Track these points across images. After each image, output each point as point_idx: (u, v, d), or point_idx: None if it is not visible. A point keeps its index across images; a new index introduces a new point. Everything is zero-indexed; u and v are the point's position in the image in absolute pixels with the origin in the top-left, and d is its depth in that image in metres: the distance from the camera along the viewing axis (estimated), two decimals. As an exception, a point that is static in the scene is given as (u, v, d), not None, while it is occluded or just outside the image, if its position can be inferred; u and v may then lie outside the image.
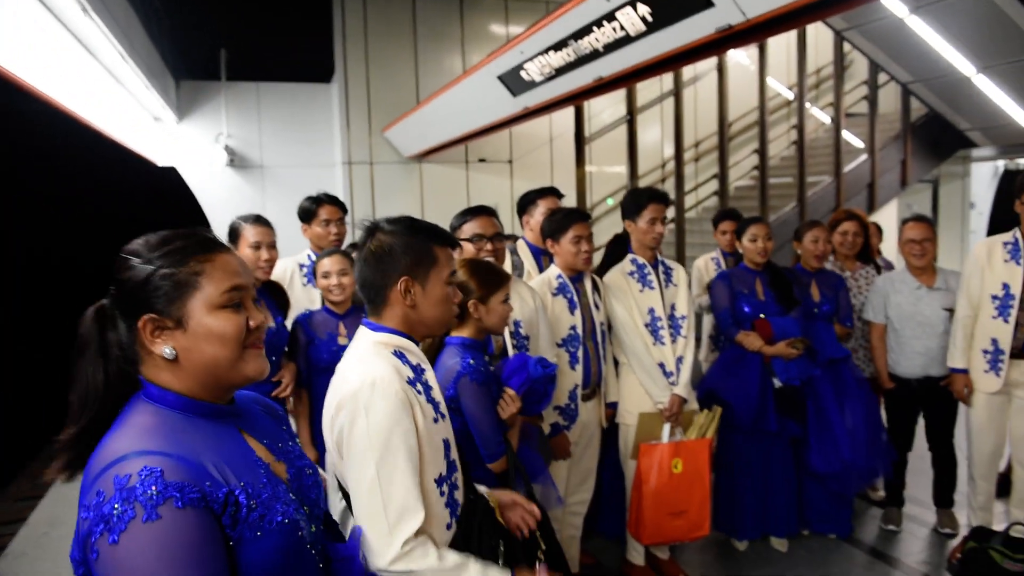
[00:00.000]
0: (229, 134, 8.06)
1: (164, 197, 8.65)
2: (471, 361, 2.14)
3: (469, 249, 2.72)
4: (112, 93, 6.46)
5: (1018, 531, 3.22)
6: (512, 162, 8.58)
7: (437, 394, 1.67)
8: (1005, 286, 3.32)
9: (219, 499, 1.02)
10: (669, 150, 8.49)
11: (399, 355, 1.60)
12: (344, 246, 3.54)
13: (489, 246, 2.73)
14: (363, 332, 1.64)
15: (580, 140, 7.28)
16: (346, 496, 1.57)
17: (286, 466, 1.21)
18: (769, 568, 3.53)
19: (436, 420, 1.61)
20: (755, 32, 3.41)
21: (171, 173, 8.22)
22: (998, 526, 3.36)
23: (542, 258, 3.51)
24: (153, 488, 0.95)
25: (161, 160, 8.08)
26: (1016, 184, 3.36)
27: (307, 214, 3.56)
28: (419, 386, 1.59)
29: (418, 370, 1.63)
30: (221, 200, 7.90)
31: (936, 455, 3.84)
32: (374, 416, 1.46)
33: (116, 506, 0.94)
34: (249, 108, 8.16)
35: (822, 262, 3.81)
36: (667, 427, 3.26)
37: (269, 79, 8.25)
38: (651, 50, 3.78)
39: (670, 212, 4.22)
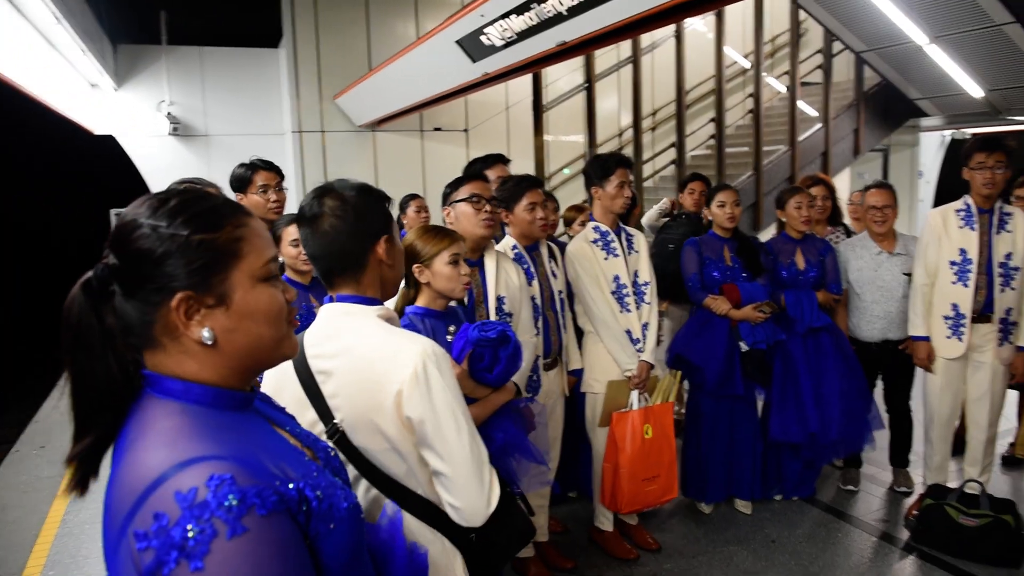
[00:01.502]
0: (172, 101, 7.72)
1: (101, 168, 8.28)
2: (407, 327, 2.06)
3: (467, 211, 2.63)
4: (45, 57, 6.10)
5: (972, 488, 3.32)
6: (468, 131, 8.43)
7: None
8: (962, 251, 3.37)
9: (294, 498, 0.88)
10: (626, 119, 8.45)
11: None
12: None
13: (488, 207, 2.64)
14: (352, 308, 1.53)
15: (538, 108, 7.18)
16: (377, 482, 1.50)
17: (312, 451, 1.11)
18: (733, 530, 3.58)
19: None
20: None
21: (108, 142, 7.86)
22: (952, 484, 3.46)
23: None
24: (231, 498, 0.80)
25: (98, 128, 7.71)
26: (962, 152, 3.41)
27: (241, 182, 3.28)
28: None
29: None
30: (164, 170, 7.58)
31: (893, 417, 3.93)
32: (447, 375, 1.45)
33: (190, 527, 0.78)
34: (192, 74, 7.82)
35: (808, 227, 3.80)
36: (635, 394, 3.26)
37: (213, 43, 7.91)
38: (616, 13, 3.70)
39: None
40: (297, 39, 7.56)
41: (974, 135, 3.44)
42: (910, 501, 3.75)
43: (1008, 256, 3.32)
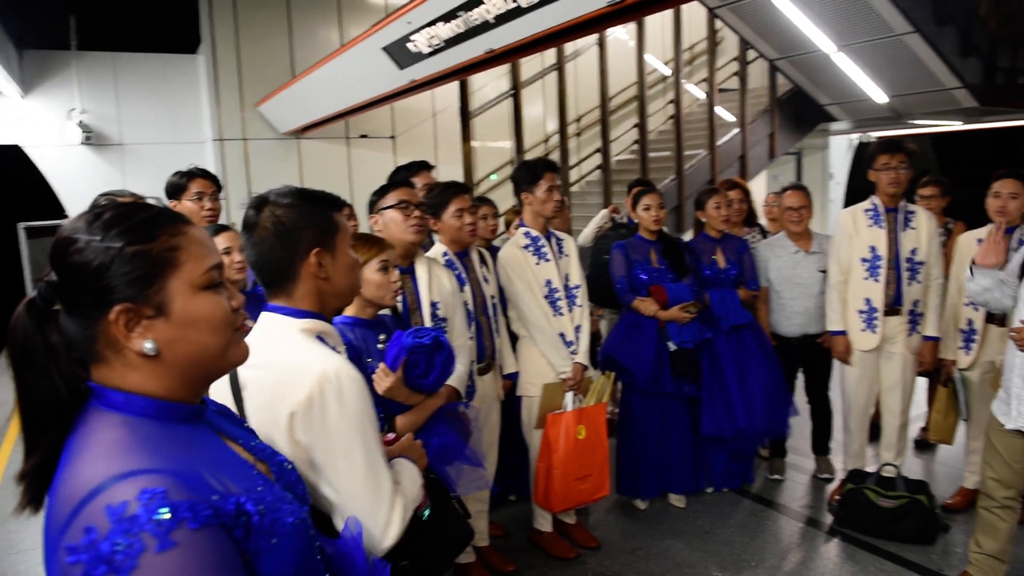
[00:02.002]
0: (83, 109, 7.41)
1: (7, 180, 7.88)
2: (346, 338, 2.06)
3: (396, 217, 2.62)
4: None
5: (888, 471, 3.51)
6: (395, 138, 8.40)
7: None
8: (872, 248, 3.57)
9: (230, 512, 0.88)
10: (552, 125, 8.58)
11: (321, 340, 1.51)
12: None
13: (416, 212, 2.64)
14: (280, 320, 1.51)
15: (465, 114, 7.20)
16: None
17: (267, 464, 1.09)
18: (668, 523, 3.68)
19: None
20: (643, 7, 3.47)
21: (14, 152, 7.49)
22: (870, 468, 3.64)
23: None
24: (162, 512, 0.79)
25: (3, 138, 7.33)
26: (867, 155, 3.62)
27: (176, 189, 3.23)
28: None
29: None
30: (76, 181, 7.27)
31: (814, 408, 4.13)
32: (348, 403, 1.39)
33: (118, 541, 0.77)
34: (105, 81, 7.53)
35: (727, 226, 3.93)
36: (570, 395, 3.32)
37: (127, 48, 7.63)
38: (543, 22, 3.77)
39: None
40: (216, 44, 7.38)
41: (878, 138, 3.66)
42: (832, 487, 3.93)
43: (914, 251, 3.53)
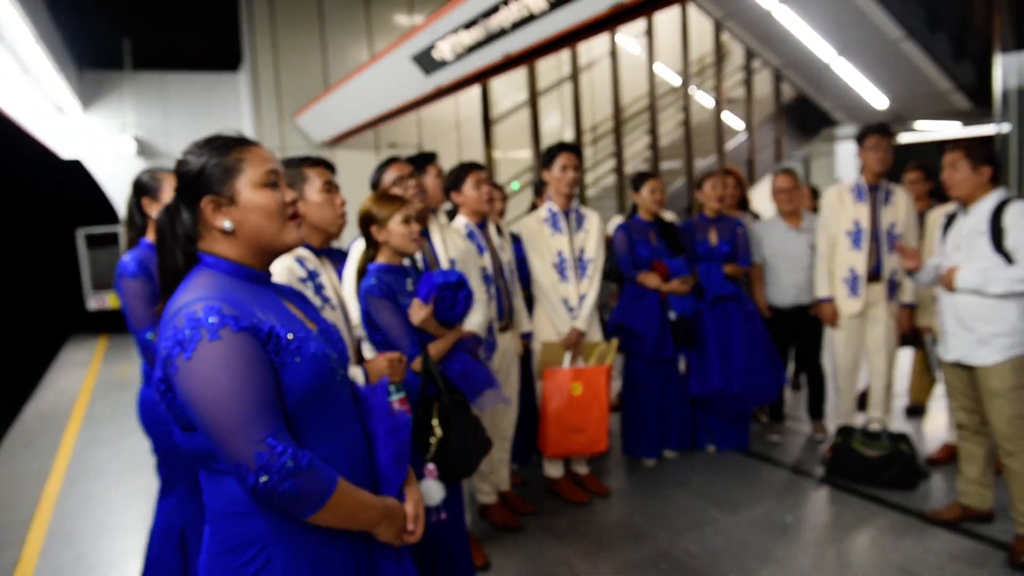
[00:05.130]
0: (136, 124, 8.02)
1: (71, 192, 8.48)
2: (373, 281, 2.49)
3: (397, 192, 3.02)
4: (17, 79, 6.36)
5: (874, 426, 3.84)
6: (421, 147, 8.90)
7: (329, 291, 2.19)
8: (856, 222, 3.94)
9: (264, 331, 1.27)
10: (569, 134, 9.02)
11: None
12: None
13: (412, 182, 3.01)
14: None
15: (487, 122, 7.67)
16: None
17: (316, 325, 1.50)
18: (672, 477, 4.03)
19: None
20: (644, 8, 3.90)
21: (76, 167, 8.10)
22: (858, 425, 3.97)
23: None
24: (214, 317, 1.22)
25: (65, 151, 7.95)
26: (857, 136, 4.00)
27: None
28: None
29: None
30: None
31: (808, 374, 4.47)
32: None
33: (187, 332, 1.21)
34: (154, 98, 8.15)
35: (721, 204, 4.31)
36: (568, 355, 3.71)
37: (175, 68, 8.25)
38: (552, 26, 4.22)
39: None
40: (257, 63, 7.95)
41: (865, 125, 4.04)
42: (825, 446, 4.26)
43: (892, 225, 3.90)
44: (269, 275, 1.47)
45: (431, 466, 2.24)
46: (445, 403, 2.40)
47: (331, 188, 2.34)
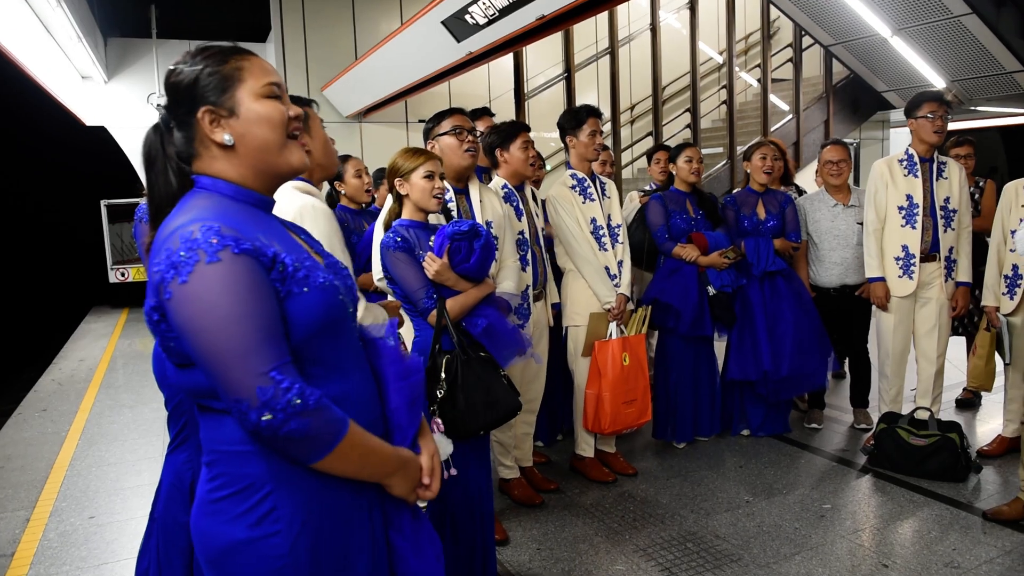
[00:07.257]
0: (161, 94, 7.95)
1: (93, 158, 8.48)
2: (391, 234, 2.40)
3: (451, 143, 2.86)
4: (43, 45, 6.31)
5: (921, 413, 3.58)
6: (452, 124, 8.71)
7: None
8: (908, 197, 3.67)
9: (268, 256, 1.14)
10: (605, 112, 8.76)
11: None
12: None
13: (470, 137, 2.87)
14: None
15: (520, 97, 7.46)
16: None
17: (322, 258, 1.35)
18: (703, 459, 3.82)
19: None
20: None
21: (100, 133, 8.06)
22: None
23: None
24: (213, 238, 1.08)
25: (89, 119, 7.91)
26: (909, 104, 3.71)
27: None
28: None
29: None
30: (156, 160, 7.77)
31: (852, 360, 4.20)
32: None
33: (182, 253, 1.07)
34: (183, 67, 8.05)
35: (769, 177, 4.04)
36: (613, 325, 3.51)
37: (202, 37, 8.15)
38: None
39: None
40: (285, 33, 7.82)
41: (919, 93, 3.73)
42: (868, 435, 4.00)
43: (947, 200, 3.62)
44: (273, 202, 1.32)
45: (438, 419, 2.16)
46: (456, 358, 2.31)
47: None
